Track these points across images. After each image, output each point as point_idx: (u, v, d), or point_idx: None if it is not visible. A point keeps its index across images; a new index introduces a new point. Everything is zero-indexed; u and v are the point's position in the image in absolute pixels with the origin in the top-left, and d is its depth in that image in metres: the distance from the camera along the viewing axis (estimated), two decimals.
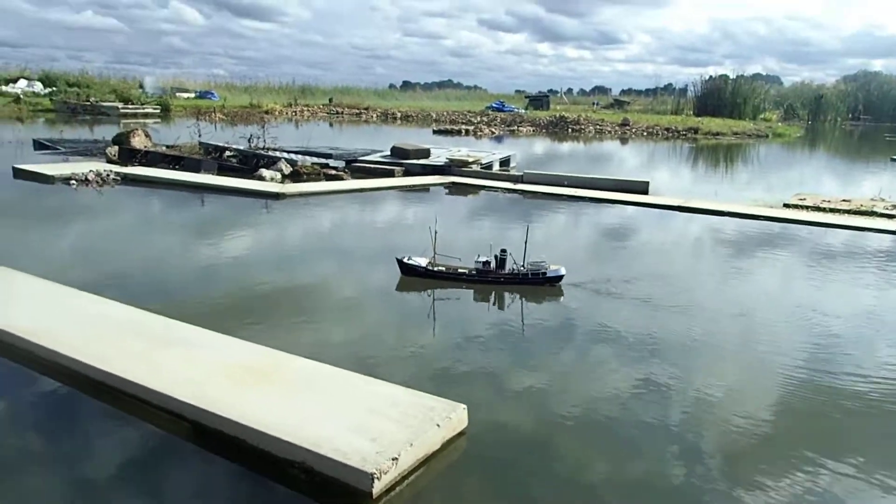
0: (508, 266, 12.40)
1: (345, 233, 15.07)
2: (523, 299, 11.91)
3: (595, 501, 6.05)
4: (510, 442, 7.30)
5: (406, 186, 26.42)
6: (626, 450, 6.89)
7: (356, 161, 31.24)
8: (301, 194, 23.61)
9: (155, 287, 12.24)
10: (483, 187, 26.71)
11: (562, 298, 11.89)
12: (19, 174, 25.47)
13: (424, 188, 26.74)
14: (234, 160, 30.13)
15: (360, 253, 14.51)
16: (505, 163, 32.65)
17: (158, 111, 72.67)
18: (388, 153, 32.68)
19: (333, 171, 28.41)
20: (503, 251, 12.54)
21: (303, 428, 6.79)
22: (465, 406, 7.50)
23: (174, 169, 27.81)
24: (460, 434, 7.38)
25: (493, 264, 12.41)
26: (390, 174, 28.97)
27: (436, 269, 12.55)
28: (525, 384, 8.59)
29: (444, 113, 79.07)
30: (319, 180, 27.45)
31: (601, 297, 12.03)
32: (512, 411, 7.94)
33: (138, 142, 32.83)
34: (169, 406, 7.39)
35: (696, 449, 6.83)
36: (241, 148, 30.90)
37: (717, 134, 63.79)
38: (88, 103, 69.10)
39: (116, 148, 30.30)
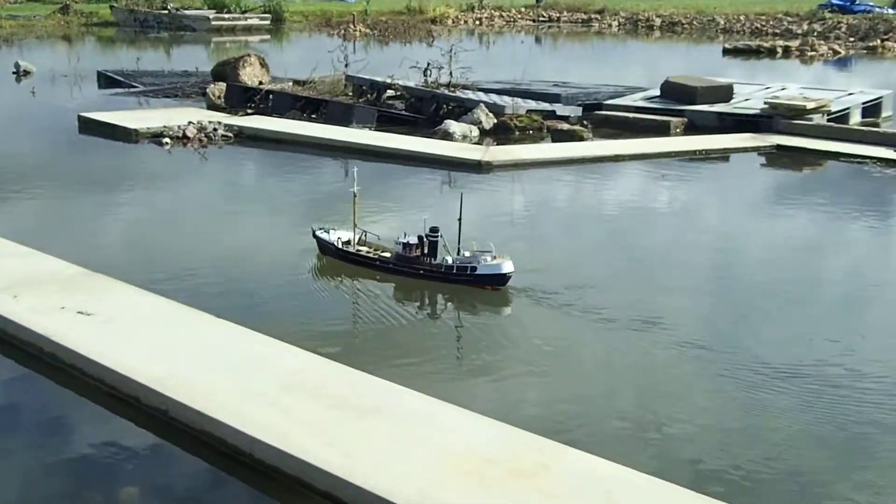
0: (442, 253, 14.74)
1: (585, 238, 15.64)
2: None
3: None
4: None
5: (692, 152, 26.29)
6: None
7: (600, 107, 31.65)
8: (514, 164, 24.30)
9: (305, 314, 13.50)
10: (835, 155, 25.83)
11: None
12: (88, 127, 28.58)
13: (722, 155, 26.53)
14: (401, 105, 31.73)
15: (594, 282, 14.98)
16: (872, 110, 31.31)
17: (267, 23, 78.72)
18: (657, 93, 32.66)
19: (565, 125, 29.05)
20: (433, 231, 14.74)
21: None
22: None
23: (311, 119, 29.76)
24: None
25: (418, 249, 14.86)
26: (662, 129, 29.17)
27: (348, 249, 15.50)
28: None
29: (741, 17, 77.11)
30: (541, 139, 28.16)
31: None
32: None
33: (251, 74, 35.69)
34: None
35: None
36: (413, 85, 32.37)
37: None
38: (165, 12, 76.71)
39: (222, 86, 33.31)
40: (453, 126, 28.04)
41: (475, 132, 28.17)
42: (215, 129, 27.38)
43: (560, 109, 31.08)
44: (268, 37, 70.50)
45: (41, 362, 11.40)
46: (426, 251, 14.83)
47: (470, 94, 31.42)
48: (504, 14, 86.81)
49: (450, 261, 14.66)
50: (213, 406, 9.61)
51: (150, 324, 11.94)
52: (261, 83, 34.81)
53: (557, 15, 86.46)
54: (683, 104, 31.01)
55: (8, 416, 10.52)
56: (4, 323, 12.05)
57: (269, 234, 16.99)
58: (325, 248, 15.90)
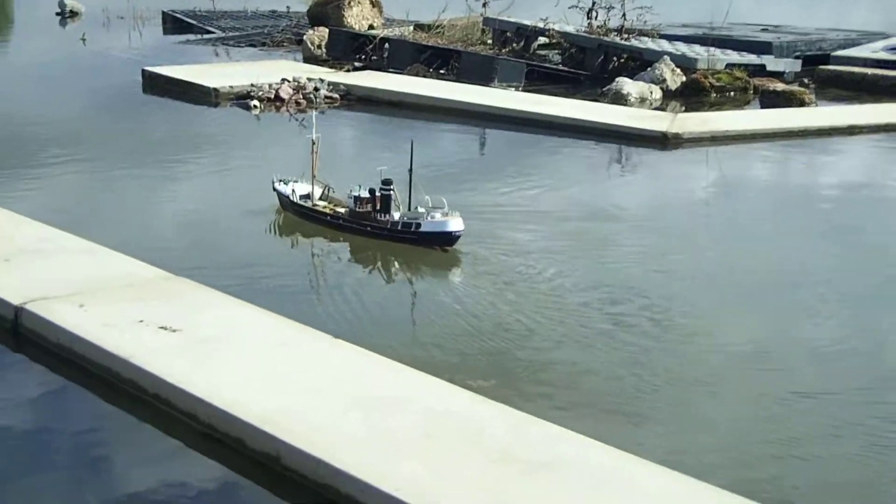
0: (395, 208, 17.04)
1: (801, 246, 15.34)
2: None
3: None
4: None
5: None
6: None
7: (826, 60, 31.52)
8: (711, 138, 24.29)
9: (443, 332, 13.64)
10: None
11: None
12: (155, 85, 29.70)
13: None
14: (557, 57, 32.05)
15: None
16: None
17: None
18: None
19: (779, 85, 28.85)
20: (386, 183, 16.98)
21: None
22: None
23: (439, 75, 30.43)
24: None
25: (369, 204, 17.20)
26: None
27: (304, 203, 18.05)
28: None
29: None
30: (746, 103, 28.29)
31: None
32: None
33: (359, 17, 36.21)
34: None
35: None
36: (573, 31, 32.62)
37: None
38: None
39: (324, 32, 33.93)
40: (628, 85, 28.10)
41: (657, 94, 28.19)
42: (316, 89, 27.96)
43: (771, 63, 30.86)
44: None
45: (116, 390, 11.71)
46: (378, 206, 17.06)
47: (649, 43, 31.38)
48: None
49: (396, 217, 16.93)
50: (339, 454, 9.73)
51: (251, 344, 12.19)
52: (372, 27, 35.32)
53: None
54: None
55: (74, 459, 10.79)
56: (70, 339, 12.44)
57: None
58: (282, 202, 18.53)
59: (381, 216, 17.02)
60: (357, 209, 17.29)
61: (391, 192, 16.91)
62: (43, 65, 35.31)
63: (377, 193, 17.07)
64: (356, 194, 17.29)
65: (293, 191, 18.22)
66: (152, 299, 13.50)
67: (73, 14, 44.86)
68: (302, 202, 18.11)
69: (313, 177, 18.28)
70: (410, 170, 16.92)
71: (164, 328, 12.55)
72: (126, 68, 31.81)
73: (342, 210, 17.72)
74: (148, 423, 11.25)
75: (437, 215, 16.58)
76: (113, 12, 43.62)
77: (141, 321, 12.73)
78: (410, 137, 24.76)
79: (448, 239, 16.60)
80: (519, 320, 14.00)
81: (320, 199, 18.21)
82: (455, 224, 16.52)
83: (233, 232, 18.17)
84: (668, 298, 14.83)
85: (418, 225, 16.65)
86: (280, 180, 18.51)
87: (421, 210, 16.78)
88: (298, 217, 18.14)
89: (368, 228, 17.12)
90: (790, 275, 15.93)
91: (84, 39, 38.71)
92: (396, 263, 16.63)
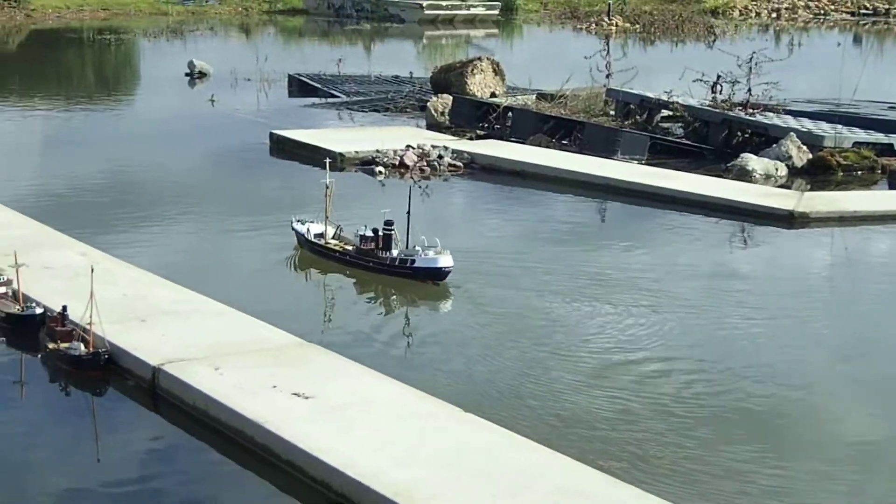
0: (394, 246, 18.93)
1: None
2: None
3: None
4: None
5: None
6: None
7: None
8: (839, 218, 24.00)
9: (570, 410, 13.58)
10: None
11: None
12: (282, 147, 30.32)
13: None
14: (679, 130, 31.88)
15: None
16: None
17: (496, 13, 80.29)
18: None
19: None
20: (388, 224, 18.96)
21: None
22: None
23: (562, 146, 30.45)
24: None
25: (373, 242, 19.10)
26: None
27: (318, 241, 20.08)
28: None
29: None
30: (874, 183, 27.93)
31: None
32: None
33: (481, 84, 36.48)
34: None
35: None
36: (695, 104, 32.50)
37: None
38: None
39: (447, 100, 34.51)
40: (753, 161, 27.96)
41: (782, 171, 27.99)
42: (440, 157, 28.36)
43: None
44: (495, 31, 71.75)
45: (249, 454, 12.02)
46: (381, 245, 19.12)
47: (775, 119, 31.14)
48: (811, 4, 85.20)
49: (395, 254, 18.99)
50: None
51: (382, 414, 12.40)
52: (494, 95, 35.62)
53: (886, 6, 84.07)
54: None
55: None
56: (206, 402, 12.83)
57: (521, 302, 17.50)
58: (299, 239, 20.72)
59: (382, 253, 19.10)
60: (362, 247, 19.41)
61: (392, 231, 19.01)
62: (174, 122, 36.56)
63: (380, 233, 19.06)
64: (362, 233, 19.45)
65: (308, 230, 20.42)
66: (284, 365, 13.87)
67: (202, 75, 46.16)
68: (315, 240, 20.27)
69: (326, 218, 20.37)
70: (408, 213, 18.97)
71: (297, 395, 12.84)
72: (253, 130, 32.60)
73: (350, 248, 19.80)
74: (281, 490, 11.51)
75: (431, 253, 18.63)
76: (240, 74, 44.62)
77: (274, 386, 13.06)
78: (515, 202, 25.29)
79: (438, 274, 18.70)
80: (647, 396, 14.09)
81: (332, 237, 20.31)
82: (445, 261, 18.60)
83: (373, 298, 18.99)
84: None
85: (413, 261, 18.75)
86: (298, 220, 20.85)
87: (417, 248, 18.77)
88: (312, 253, 20.41)
89: (371, 264, 19.28)
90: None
91: (213, 100, 39.65)
92: (526, 330, 16.64)
